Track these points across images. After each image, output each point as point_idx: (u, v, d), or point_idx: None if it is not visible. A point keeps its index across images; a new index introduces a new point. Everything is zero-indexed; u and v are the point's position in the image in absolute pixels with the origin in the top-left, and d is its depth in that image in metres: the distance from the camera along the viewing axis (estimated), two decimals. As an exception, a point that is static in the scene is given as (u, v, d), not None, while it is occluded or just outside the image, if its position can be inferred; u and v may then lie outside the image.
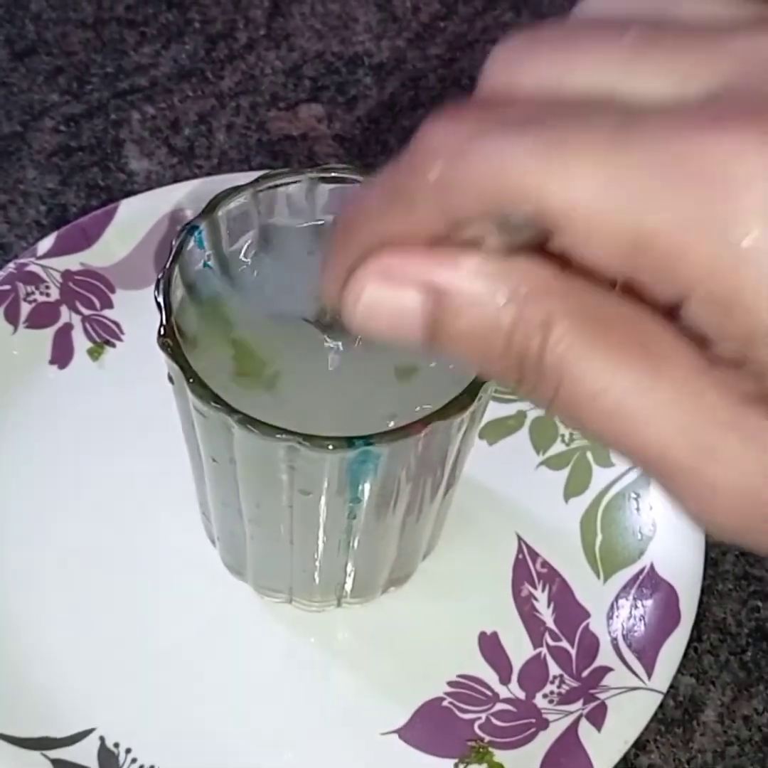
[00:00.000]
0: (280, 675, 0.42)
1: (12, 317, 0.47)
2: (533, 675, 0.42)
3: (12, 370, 0.47)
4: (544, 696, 0.41)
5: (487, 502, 0.46)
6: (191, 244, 0.35)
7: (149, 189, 0.53)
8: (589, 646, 0.42)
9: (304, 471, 0.33)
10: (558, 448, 0.47)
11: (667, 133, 0.19)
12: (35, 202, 0.54)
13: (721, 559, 0.45)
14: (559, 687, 0.42)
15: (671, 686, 0.41)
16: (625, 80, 0.20)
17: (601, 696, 0.41)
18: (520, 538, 0.45)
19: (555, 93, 0.21)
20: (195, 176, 0.55)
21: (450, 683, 0.42)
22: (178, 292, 0.34)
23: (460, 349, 0.22)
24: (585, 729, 0.40)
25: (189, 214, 0.50)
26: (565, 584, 0.44)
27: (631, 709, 0.40)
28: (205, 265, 0.36)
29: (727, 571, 0.45)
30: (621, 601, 0.43)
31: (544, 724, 0.41)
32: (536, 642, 0.43)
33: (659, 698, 0.41)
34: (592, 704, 0.41)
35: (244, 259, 0.37)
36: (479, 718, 0.41)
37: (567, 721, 0.40)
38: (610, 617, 0.43)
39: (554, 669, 0.42)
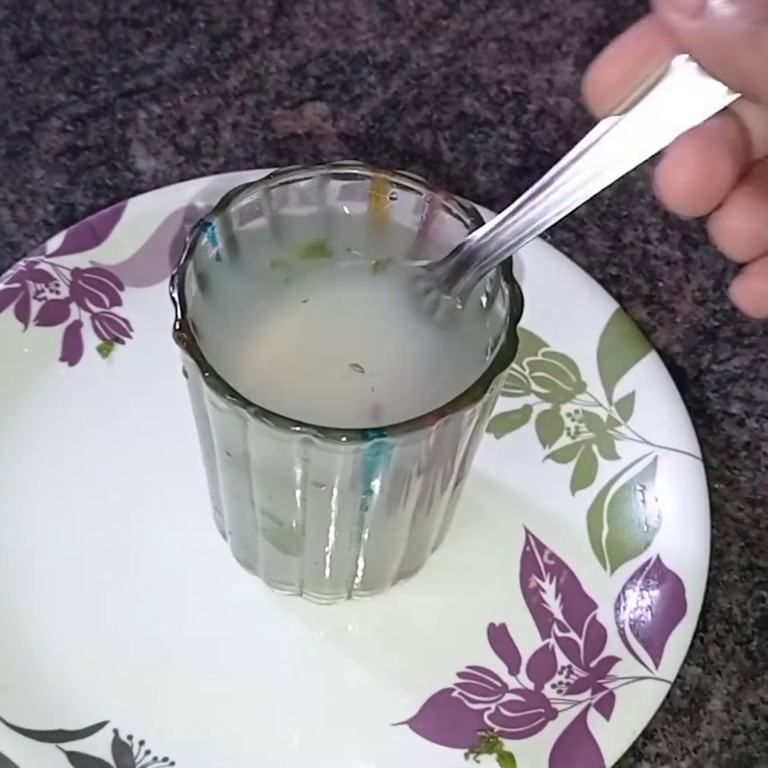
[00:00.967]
0: (291, 667, 0.42)
1: (22, 315, 0.48)
2: (542, 666, 0.42)
3: (23, 367, 0.47)
4: (553, 686, 0.42)
5: (494, 495, 0.46)
6: (205, 240, 0.35)
7: (156, 188, 0.54)
8: (597, 636, 0.43)
9: (317, 463, 0.33)
10: (564, 441, 0.48)
11: None
12: (43, 202, 0.54)
13: (726, 550, 0.46)
14: (567, 677, 0.42)
15: (678, 676, 0.42)
16: None
17: (609, 686, 0.41)
18: (527, 531, 0.45)
19: None
20: (201, 175, 0.55)
21: (460, 674, 0.42)
22: (192, 287, 0.35)
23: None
24: (594, 718, 0.40)
25: (198, 212, 0.50)
26: (572, 576, 0.44)
27: (639, 698, 0.41)
28: (217, 258, 0.36)
29: (733, 562, 0.46)
30: (628, 592, 0.44)
31: (553, 714, 0.41)
32: (544, 633, 0.43)
33: (667, 688, 0.41)
34: (601, 694, 0.41)
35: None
36: (489, 708, 0.41)
37: (576, 711, 0.41)
38: (617, 608, 0.43)
39: (562, 660, 0.42)
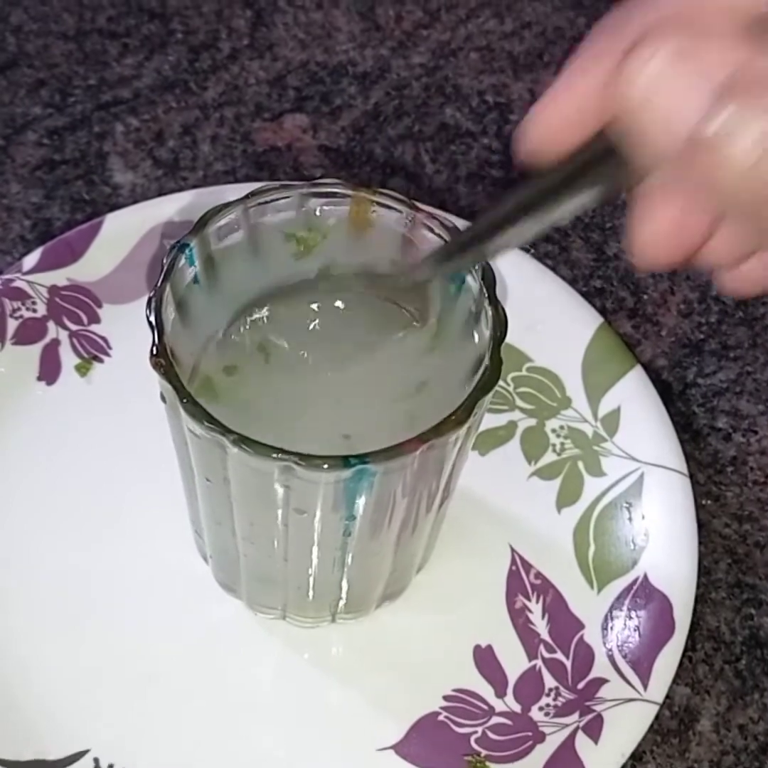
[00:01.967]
0: (274, 692, 0.42)
1: (-1, 334, 0.47)
2: (529, 688, 0.42)
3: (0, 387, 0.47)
4: (540, 709, 0.41)
5: (479, 513, 0.45)
6: (182, 261, 0.34)
7: (134, 202, 0.53)
8: (584, 657, 0.42)
9: (299, 490, 0.33)
10: (549, 457, 0.47)
11: None
12: (19, 217, 0.53)
13: (714, 568, 0.45)
14: (555, 699, 0.41)
15: (666, 696, 0.41)
16: None
17: (598, 708, 0.41)
18: (513, 550, 0.45)
19: None
20: (180, 188, 0.54)
21: (445, 697, 0.42)
22: (170, 311, 0.34)
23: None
24: (582, 742, 0.40)
25: (177, 227, 0.50)
26: (558, 595, 0.44)
27: (628, 720, 0.40)
28: (194, 280, 0.36)
29: (720, 580, 0.45)
30: (615, 612, 0.43)
31: (540, 738, 0.41)
32: (531, 654, 0.43)
33: (655, 709, 0.40)
34: (589, 716, 0.40)
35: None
36: (475, 732, 0.41)
37: (564, 734, 0.40)
38: (604, 628, 0.43)
39: (550, 681, 0.42)
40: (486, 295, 0.34)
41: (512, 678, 0.42)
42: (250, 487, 0.34)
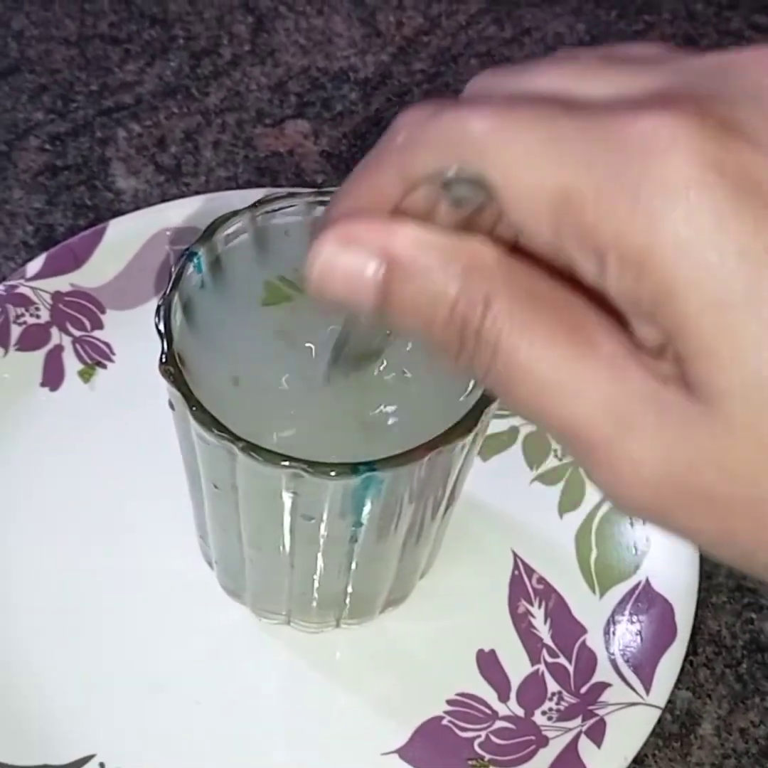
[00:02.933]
0: (279, 697, 0.42)
1: (2, 340, 0.47)
2: (532, 692, 0.42)
3: (3, 393, 0.47)
4: (543, 713, 0.42)
5: (482, 518, 0.46)
6: (190, 270, 0.34)
7: (137, 207, 0.53)
8: (587, 661, 0.43)
9: (307, 497, 0.33)
10: (551, 462, 0.47)
11: (601, 113, 0.21)
12: (22, 223, 0.53)
13: (714, 572, 0.46)
14: (557, 704, 0.42)
15: (668, 700, 0.41)
16: (578, 86, 0.23)
17: (600, 712, 0.41)
18: (515, 555, 0.45)
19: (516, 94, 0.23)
20: (182, 194, 0.54)
21: (449, 702, 0.42)
22: (178, 318, 0.34)
23: (407, 315, 0.23)
24: (585, 746, 0.40)
25: (180, 233, 0.50)
26: (561, 600, 0.44)
27: (630, 724, 0.41)
28: (201, 286, 0.36)
29: (721, 584, 0.45)
30: (617, 617, 0.43)
31: (543, 742, 0.41)
32: (534, 659, 0.43)
33: (658, 713, 0.41)
34: (592, 720, 0.41)
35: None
36: (479, 736, 0.41)
37: (567, 738, 0.41)
38: (607, 633, 0.43)
39: (552, 686, 0.42)
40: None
41: (515, 682, 0.42)
42: (257, 493, 0.34)
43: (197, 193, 0.54)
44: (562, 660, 0.43)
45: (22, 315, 0.48)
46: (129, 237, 0.50)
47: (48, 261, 0.49)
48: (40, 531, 0.44)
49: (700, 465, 0.21)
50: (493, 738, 0.41)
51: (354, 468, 0.31)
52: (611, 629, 0.43)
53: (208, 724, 0.41)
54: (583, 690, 0.42)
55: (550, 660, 0.43)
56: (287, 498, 0.33)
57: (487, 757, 0.41)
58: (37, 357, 0.48)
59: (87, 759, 0.40)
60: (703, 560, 0.45)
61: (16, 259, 0.52)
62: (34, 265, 0.49)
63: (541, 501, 0.46)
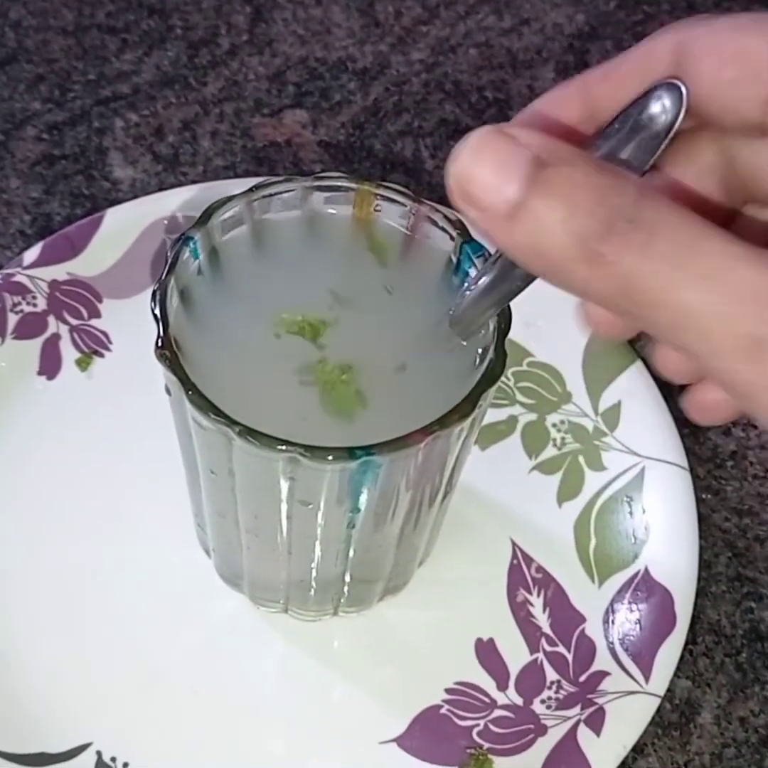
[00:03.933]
0: (277, 685, 0.42)
1: (-1, 328, 0.47)
2: (531, 681, 0.42)
3: (0, 381, 0.46)
4: (542, 702, 0.41)
5: (481, 507, 0.46)
6: (186, 254, 0.34)
7: (134, 197, 0.53)
8: (586, 650, 0.42)
9: (304, 482, 0.33)
10: (550, 452, 0.47)
11: None
12: (19, 212, 0.53)
13: (714, 561, 0.45)
14: (556, 692, 0.42)
15: (668, 689, 0.41)
16: None
17: (599, 701, 0.41)
18: (514, 544, 0.45)
19: None
20: (180, 184, 0.54)
21: (448, 690, 0.42)
22: (174, 302, 0.34)
23: (555, 197, 0.23)
24: (584, 734, 0.40)
25: (177, 222, 0.49)
26: (560, 589, 0.44)
27: (629, 713, 0.40)
28: (198, 272, 0.36)
29: (721, 573, 0.45)
30: (616, 606, 0.43)
31: (542, 730, 0.41)
32: (533, 647, 0.43)
33: (657, 702, 0.41)
34: (591, 709, 0.41)
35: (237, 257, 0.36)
36: (477, 725, 0.41)
37: (565, 727, 0.40)
38: (606, 621, 0.43)
39: (551, 674, 0.42)
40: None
41: (514, 671, 0.42)
42: (254, 478, 0.33)
43: (194, 182, 0.54)
44: (561, 649, 0.43)
45: (19, 303, 0.48)
46: (126, 226, 0.50)
47: (45, 250, 0.49)
48: (36, 518, 0.44)
49: None
50: (491, 727, 0.41)
51: (351, 452, 0.31)
52: (610, 618, 0.43)
53: (205, 711, 0.41)
54: (582, 679, 0.42)
55: (548, 649, 0.43)
56: (284, 483, 0.33)
57: (486, 745, 0.40)
58: (34, 345, 0.48)
59: (84, 747, 0.40)
60: (703, 550, 0.45)
61: (13, 247, 0.52)
62: (31, 254, 0.49)
63: (540, 490, 0.46)
